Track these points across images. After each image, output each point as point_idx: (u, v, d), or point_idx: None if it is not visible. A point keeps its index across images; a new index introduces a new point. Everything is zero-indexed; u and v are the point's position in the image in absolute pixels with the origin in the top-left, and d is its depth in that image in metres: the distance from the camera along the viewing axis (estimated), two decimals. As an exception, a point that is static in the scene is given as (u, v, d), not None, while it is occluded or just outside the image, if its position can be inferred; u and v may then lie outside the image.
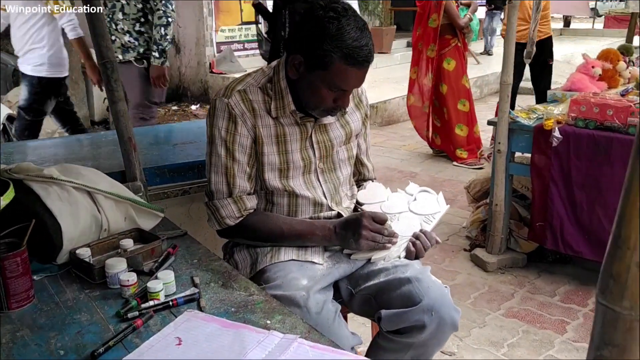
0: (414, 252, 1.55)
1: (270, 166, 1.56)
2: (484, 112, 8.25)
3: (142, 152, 2.13)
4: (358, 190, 1.76)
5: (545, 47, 5.16)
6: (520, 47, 4.01)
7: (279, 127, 1.56)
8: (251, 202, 1.58)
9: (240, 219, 1.57)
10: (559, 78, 9.46)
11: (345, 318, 1.72)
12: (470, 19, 5.17)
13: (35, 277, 1.37)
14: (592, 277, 3.02)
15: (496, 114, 5.34)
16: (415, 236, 1.57)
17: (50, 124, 5.41)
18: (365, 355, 1.59)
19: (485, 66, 9.52)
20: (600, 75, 3.57)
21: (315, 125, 1.60)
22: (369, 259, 1.55)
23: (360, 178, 1.83)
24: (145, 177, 1.89)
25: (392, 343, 1.50)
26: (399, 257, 1.55)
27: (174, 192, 2.00)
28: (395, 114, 7.10)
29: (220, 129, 1.54)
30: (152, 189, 1.95)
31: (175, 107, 7.85)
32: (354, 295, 1.57)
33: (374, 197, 1.70)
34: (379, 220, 1.51)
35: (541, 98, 4.65)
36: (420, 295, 1.44)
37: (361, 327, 2.39)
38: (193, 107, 7.79)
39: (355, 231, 1.51)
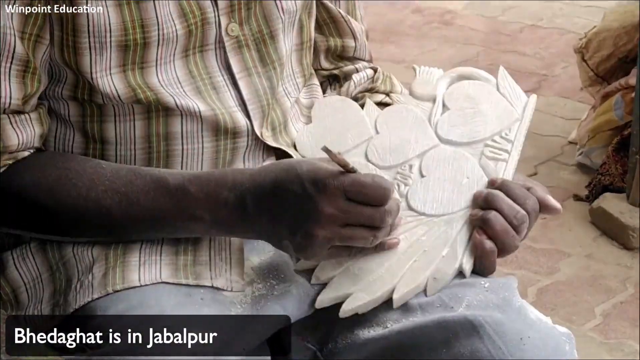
0: (493, 251, 0.64)
1: (96, 40, 0.65)
2: None
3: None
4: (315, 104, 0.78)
5: None
6: None
7: None
8: (28, 132, 0.66)
9: None
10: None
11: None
12: None
13: None
14: None
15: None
16: (484, 198, 0.65)
17: None
18: None
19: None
20: None
21: None
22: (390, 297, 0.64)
23: (336, 59, 0.84)
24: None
25: None
26: (465, 274, 0.64)
27: None
28: None
29: None
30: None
31: None
32: None
33: (346, 131, 0.73)
34: (370, 193, 0.61)
35: None
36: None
37: None
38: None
39: (306, 220, 0.61)
